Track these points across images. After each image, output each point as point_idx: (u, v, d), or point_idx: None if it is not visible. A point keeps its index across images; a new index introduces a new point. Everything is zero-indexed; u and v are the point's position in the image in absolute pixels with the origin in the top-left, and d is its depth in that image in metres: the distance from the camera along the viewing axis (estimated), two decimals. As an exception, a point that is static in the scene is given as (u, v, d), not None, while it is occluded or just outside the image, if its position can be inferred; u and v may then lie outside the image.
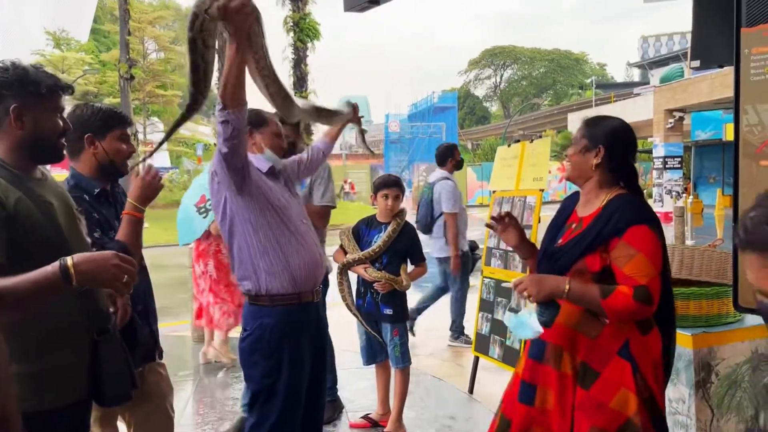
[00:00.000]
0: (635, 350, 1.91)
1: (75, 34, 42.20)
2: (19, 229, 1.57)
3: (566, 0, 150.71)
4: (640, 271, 1.83)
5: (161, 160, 40.41)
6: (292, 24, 24.33)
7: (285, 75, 25.22)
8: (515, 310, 2.13)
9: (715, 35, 3.26)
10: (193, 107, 2.06)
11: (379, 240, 3.52)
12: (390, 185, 3.61)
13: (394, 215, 3.60)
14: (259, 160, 2.54)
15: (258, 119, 2.62)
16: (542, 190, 3.92)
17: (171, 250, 11.04)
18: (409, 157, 36.66)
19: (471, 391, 4.39)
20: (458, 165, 5.47)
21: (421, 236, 4.04)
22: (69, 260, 1.44)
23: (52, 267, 1.44)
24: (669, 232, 15.42)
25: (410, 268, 3.71)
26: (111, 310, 1.86)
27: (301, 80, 24.66)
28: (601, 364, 1.91)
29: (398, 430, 3.67)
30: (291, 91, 2.35)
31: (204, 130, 48.84)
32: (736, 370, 2.42)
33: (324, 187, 3.61)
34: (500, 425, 2.10)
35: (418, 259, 3.72)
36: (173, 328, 6.56)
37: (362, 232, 3.70)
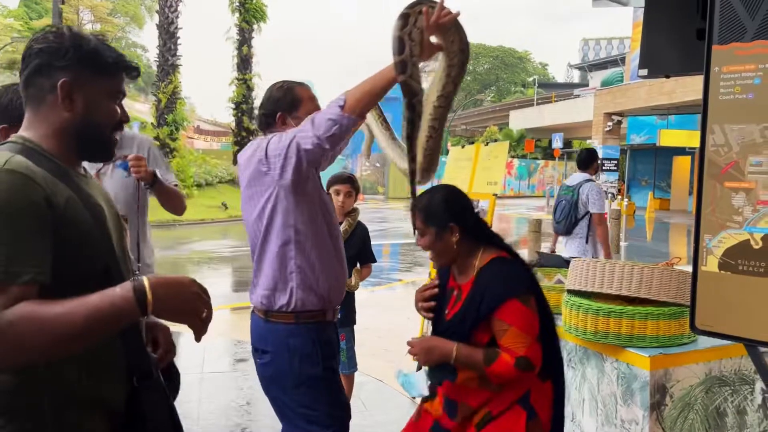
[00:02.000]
0: (535, 399, 2.02)
1: (3, -1, 39.89)
2: (66, 238, 1.21)
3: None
4: (516, 343, 1.95)
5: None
6: (237, 4, 23.68)
7: (228, 56, 24.64)
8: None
9: (664, 45, 3.25)
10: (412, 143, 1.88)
11: (330, 242, 3.37)
12: (343, 181, 3.45)
13: (346, 214, 3.45)
14: None
15: (291, 100, 2.18)
16: (496, 195, 3.85)
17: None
18: (353, 147, 36.43)
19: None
20: (597, 168, 5.73)
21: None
22: (145, 282, 1.14)
23: (122, 290, 1.14)
24: (604, 233, 15.86)
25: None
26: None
27: (245, 62, 24.08)
28: (501, 411, 2.01)
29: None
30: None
31: (140, 107, 47.13)
32: (690, 392, 2.40)
33: (165, 166, 2.97)
34: None
35: (367, 259, 3.59)
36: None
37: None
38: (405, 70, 1.81)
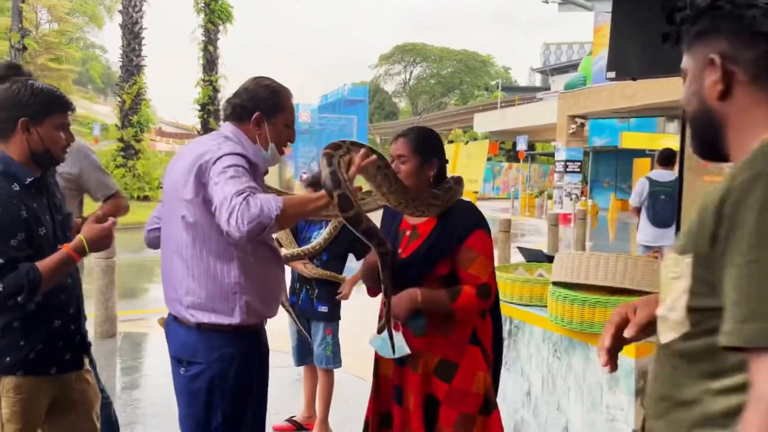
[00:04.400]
0: (481, 334, 2.20)
1: (-43, -3, 38.70)
2: None
3: (479, 5, 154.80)
4: (482, 271, 2.11)
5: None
6: (203, 5, 23.42)
7: (194, 56, 24.38)
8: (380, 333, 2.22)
9: (631, 49, 3.38)
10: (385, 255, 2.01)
11: (320, 237, 3.39)
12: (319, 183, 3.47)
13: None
14: (259, 155, 2.01)
15: (274, 104, 2.03)
16: (476, 192, 3.92)
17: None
18: (317, 149, 36.33)
19: (396, 391, 4.34)
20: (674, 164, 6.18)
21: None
22: None
23: None
24: (569, 233, 16.13)
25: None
26: None
27: (210, 63, 23.84)
28: (459, 356, 2.13)
29: (325, 434, 3.57)
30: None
31: (100, 109, 46.15)
32: (672, 376, 2.50)
33: (101, 174, 3.06)
34: (381, 421, 2.25)
35: (363, 254, 3.59)
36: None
37: (300, 226, 3.55)
38: (351, 205, 1.82)
